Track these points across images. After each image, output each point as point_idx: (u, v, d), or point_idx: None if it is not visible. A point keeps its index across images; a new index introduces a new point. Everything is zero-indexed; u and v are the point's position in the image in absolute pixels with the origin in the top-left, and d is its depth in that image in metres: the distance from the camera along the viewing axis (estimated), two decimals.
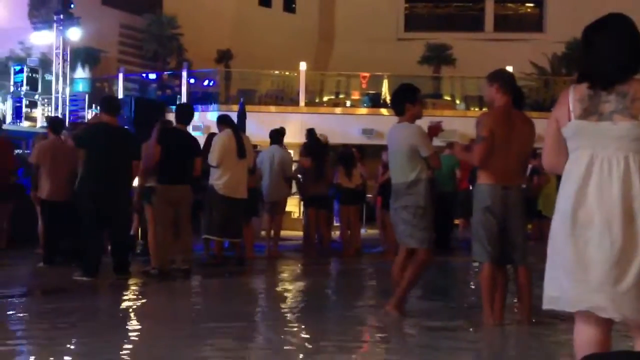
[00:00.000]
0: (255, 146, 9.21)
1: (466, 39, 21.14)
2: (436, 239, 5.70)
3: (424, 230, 5.01)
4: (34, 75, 17.53)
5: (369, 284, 7.67)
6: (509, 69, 16.66)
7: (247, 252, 8.54)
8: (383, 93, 17.60)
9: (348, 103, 18.54)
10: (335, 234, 10.84)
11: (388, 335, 4.78)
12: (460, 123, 11.43)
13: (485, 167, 4.66)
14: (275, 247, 9.32)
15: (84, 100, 17.57)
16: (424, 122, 5.19)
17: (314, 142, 9.68)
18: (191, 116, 7.52)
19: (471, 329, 4.77)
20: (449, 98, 18.35)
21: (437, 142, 5.40)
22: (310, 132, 9.82)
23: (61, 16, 16.12)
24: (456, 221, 10.74)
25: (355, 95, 18.44)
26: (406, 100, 5.15)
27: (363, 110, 17.39)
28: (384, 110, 16.85)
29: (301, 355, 4.08)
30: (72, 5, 15.58)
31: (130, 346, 4.30)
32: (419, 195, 4.99)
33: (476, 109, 15.39)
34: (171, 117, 8.59)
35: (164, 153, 6.88)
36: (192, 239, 7.42)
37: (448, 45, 19.75)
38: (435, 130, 5.18)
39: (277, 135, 9.35)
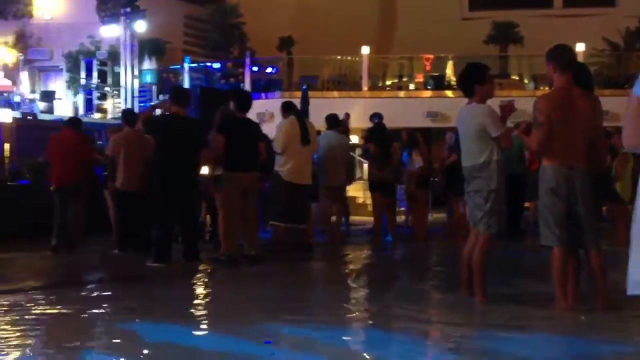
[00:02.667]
0: (319, 132, 9.19)
1: (534, 16, 20.46)
2: (507, 223, 5.55)
3: (495, 215, 4.87)
4: (103, 68, 18.06)
5: (438, 267, 7.56)
6: (580, 46, 16.08)
7: (309, 236, 8.54)
8: (447, 75, 17.29)
9: (412, 86, 18.30)
10: (401, 218, 10.75)
11: (464, 320, 4.68)
12: (530, 103, 11.08)
13: (547, 149, 4.52)
14: (338, 232, 9.32)
15: (152, 91, 17.97)
16: (494, 103, 5.05)
17: (378, 127, 9.59)
18: (249, 102, 7.54)
19: (542, 316, 4.63)
20: (516, 77, 17.86)
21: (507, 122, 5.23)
22: (375, 117, 9.73)
23: (128, 9, 16.51)
24: (527, 204, 10.45)
25: (419, 78, 18.18)
26: (475, 81, 5.01)
27: (427, 93, 17.14)
28: (448, 92, 16.57)
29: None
30: None
31: (200, 333, 4.37)
32: (491, 178, 4.85)
33: (546, 88, 14.94)
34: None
35: (228, 141, 6.94)
36: (258, 226, 7.49)
37: (515, 23, 19.17)
38: (508, 110, 5.01)
39: (333, 120, 9.28)
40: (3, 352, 3.72)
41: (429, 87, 17.41)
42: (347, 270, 7.11)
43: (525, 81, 17.67)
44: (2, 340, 3.95)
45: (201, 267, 6.86)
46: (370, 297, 5.67)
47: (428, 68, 17.91)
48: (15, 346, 3.87)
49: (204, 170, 7.27)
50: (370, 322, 4.74)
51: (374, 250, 8.97)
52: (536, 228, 4.78)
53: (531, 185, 9.56)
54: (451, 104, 13.95)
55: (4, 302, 5.13)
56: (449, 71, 17.33)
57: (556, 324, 4.47)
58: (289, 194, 7.64)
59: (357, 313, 5.02)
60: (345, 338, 4.20)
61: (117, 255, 7.67)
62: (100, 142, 10.83)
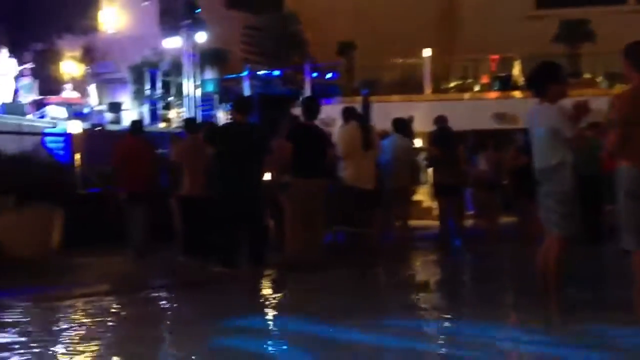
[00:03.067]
0: (381, 135, 9.11)
1: (605, 12, 19.73)
2: (585, 227, 5.33)
3: (569, 218, 4.68)
4: (166, 78, 18.47)
5: (509, 271, 7.33)
6: None
7: (374, 241, 8.44)
8: (514, 75, 16.87)
9: (477, 88, 17.95)
10: (469, 222, 10.51)
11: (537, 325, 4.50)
12: (603, 102, 10.68)
13: (624, 150, 4.30)
14: (403, 236, 9.17)
15: (213, 99, 18.24)
16: (566, 103, 4.84)
17: (443, 131, 9.42)
18: (318, 109, 7.53)
19: (620, 323, 4.38)
20: (589, 76, 17.24)
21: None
22: (439, 121, 9.58)
23: (188, 21, 16.81)
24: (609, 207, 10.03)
25: (484, 79, 17.80)
26: (547, 80, 4.82)
27: (493, 95, 16.76)
28: (516, 93, 16.16)
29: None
30: (198, 11, 16.22)
31: (265, 336, 4.33)
32: (563, 180, 4.69)
33: (622, 86, 14.39)
34: (296, 111, 8.66)
35: (296, 149, 6.94)
36: (325, 231, 7.45)
37: (586, 20, 18.52)
38: (582, 109, 4.79)
39: (399, 124, 9.21)
40: (83, 352, 3.76)
41: (495, 89, 17.03)
42: (414, 275, 7.00)
43: (599, 79, 17.03)
44: (81, 341, 4.02)
45: (266, 272, 6.85)
46: (439, 302, 5.54)
47: (493, 69, 17.51)
48: (90, 347, 3.92)
49: (268, 176, 7.28)
50: (446, 324, 4.67)
51: (441, 254, 8.82)
52: (617, 232, 4.56)
53: (607, 187, 9.17)
54: (518, 105, 13.60)
55: (79, 306, 5.25)
56: (516, 71, 16.90)
57: (635, 334, 4.21)
58: (352, 198, 7.59)
59: (426, 317, 4.89)
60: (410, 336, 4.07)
61: (183, 262, 7.73)
62: (165, 151, 11.01)
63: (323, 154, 7.18)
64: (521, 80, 16.08)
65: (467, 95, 17.18)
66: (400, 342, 4.15)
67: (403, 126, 9.25)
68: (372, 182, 7.76)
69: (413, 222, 10.26)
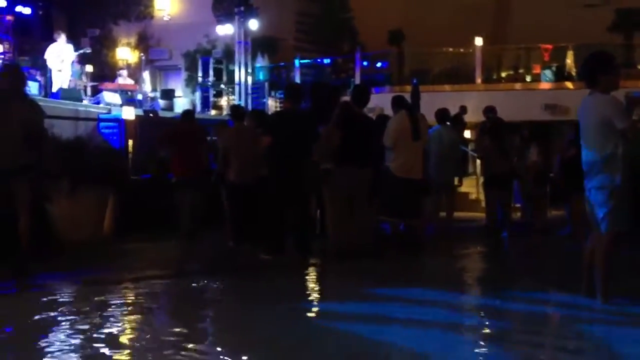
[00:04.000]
0: (430, 126, 9.06)
1: None
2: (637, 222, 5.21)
3: (619, 212, 4.58)
4: (219, 66, 18.68)
5: (556, 265, 7.22)
6: None
7: (420, 232, 8.41)
8: (567, 65, 16.49)
9: (528, 78, 17.62)
10: (517, 214, 10.38)
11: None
12: None
13: None
14: (448, 228, 9.12)
15: (265, 87, 18.37)
16: (619, 95, 4.74)
17: (493, 121, 9.32)
18: (367, 97, 7.53)
19: None
20: None
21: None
22: (489, 111, 9.46)
23: (241, 8, 16.95)
24: None
25: (536, 69, 17.45)
26: (599, 70, 4.72)
27: (545, 85, 16.44)
28: (568, 84, 15.81)
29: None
30: None
31: (311, 323, 4.39)
32: (615, 174, 4.56)
33: None
34: (346, 100, 8.65)
35: (344, 137, 6.96)
36: (370, 220, 7.46)
37: None
38: (635, 102, 4.69)
39: (442, 115, 9.14)
40: (132, 332, 3.90)
41: (547, 79, 16.69)
42: (461, 267, 6.96)
43: None
44: (130, 323, 4.16)
45: (312, 260, 6.93)
46: (485, 294, 5.50)
47: (546, 58, 17.15)
48: (137, 330, 4.06)
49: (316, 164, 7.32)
50: (482, 314, 4.66)
51: (488, 246, 8.73)
52: None
53: None
54: (571, 96, 13.33)
55: (130, 289, 5.41)
56: (569, 61, 16.52)
57: None
58: (399, 188, 7.54)
59: (469, 309, 4.88)
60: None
61: (232, 248, 7.88)
62: (215, 139, 11.18)
63: (371, 144, 7.17)
64: (574, 71, 15.72)
65: (518, 86, 16.89)
66: (451, 317, 4.19)
67: (447, 117, 9.19)
68: (420, 173, 7.71)
69: (459, 214, 10.20)
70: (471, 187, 13.18)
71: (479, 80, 16.79)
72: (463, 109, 11.15)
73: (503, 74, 18.12)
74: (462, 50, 17.50)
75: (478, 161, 10.36)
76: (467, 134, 12.87)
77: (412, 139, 7.52)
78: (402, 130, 7.50)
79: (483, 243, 9.01)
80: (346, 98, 9.46)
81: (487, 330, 4.30)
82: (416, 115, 7.96)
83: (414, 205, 7.75)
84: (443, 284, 5.86)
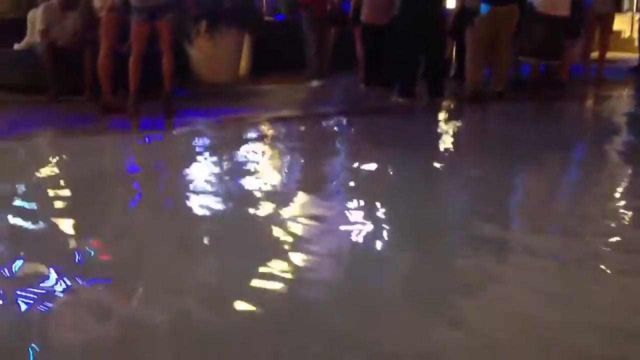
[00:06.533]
0: None
1: None
2: None
3: None
4: None
5: None
6: None
7: (563, 74, 7.92)
8: None
9: None
10: None
11: None
12: None
13: None
14: (599, 71, 8.50)
15: None
16: None
17: None
18: None
19: None
20: None
21: None
22: None
23: None
24: None
25: None
26: None
27: None
28: None
29: None
30: None
31: (439, 164, 4.41)
32: None
33: None
34: None
35: None
36: (511, 62, 7.15)
37: None
38: None
39: None
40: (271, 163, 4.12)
41: None
42: (602, 113, 6.58)
43: None
44: (266, 156, 4.39)
45: (445, 103, 6.82)
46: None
47: None
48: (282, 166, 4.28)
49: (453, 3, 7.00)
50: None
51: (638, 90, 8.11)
52: None
53: None
54: None
55: (266, 125, 5.65)
56: None
57: None
58: (542, 26, 7.06)
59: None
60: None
61: (363, 89, 7.86)
62: None
63: None
64: None
65: None
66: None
67: None
68: (566, 9, 7.13)
69: (611, 55, 9.44)
70: (625, 24, 12.06)
71: None
72: None
73: None
74: None
75: None
76: None
77: None
78: None
79: (632, 86, 8.38)
80: None
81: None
82: None
83: (556, 44, 7.27)
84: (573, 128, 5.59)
